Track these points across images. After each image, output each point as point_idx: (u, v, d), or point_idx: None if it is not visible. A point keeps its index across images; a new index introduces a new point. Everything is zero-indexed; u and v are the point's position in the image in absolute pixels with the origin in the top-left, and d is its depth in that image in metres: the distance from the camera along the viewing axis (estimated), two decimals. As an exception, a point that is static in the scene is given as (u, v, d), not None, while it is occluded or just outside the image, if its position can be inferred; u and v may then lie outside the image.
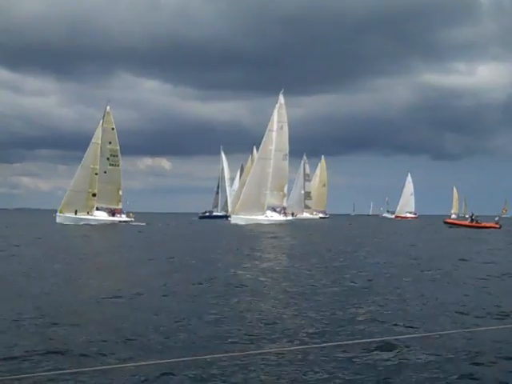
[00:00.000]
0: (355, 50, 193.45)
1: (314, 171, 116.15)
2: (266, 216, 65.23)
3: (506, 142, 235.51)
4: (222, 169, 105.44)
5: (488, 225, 65.63)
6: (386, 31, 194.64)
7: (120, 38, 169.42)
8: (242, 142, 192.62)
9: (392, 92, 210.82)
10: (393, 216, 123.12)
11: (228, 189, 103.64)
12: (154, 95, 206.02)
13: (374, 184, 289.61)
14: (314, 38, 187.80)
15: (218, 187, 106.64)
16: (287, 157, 66.71)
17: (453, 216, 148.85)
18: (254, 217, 63.42)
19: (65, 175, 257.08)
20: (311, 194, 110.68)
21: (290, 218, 67.36)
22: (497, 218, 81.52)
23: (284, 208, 68.04)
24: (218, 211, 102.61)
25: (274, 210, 66.88)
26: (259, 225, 59.30)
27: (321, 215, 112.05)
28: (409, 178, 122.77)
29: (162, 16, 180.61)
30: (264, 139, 64.65)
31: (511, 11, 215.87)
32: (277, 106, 65.55)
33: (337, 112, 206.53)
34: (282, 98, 65.79)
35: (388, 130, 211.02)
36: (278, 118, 65.28)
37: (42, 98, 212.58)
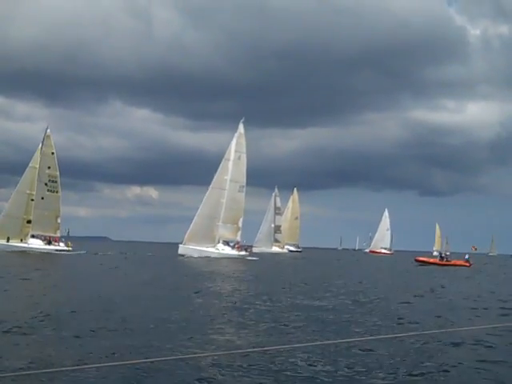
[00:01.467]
0: (347, 85, 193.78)
1: (299, 204, 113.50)
2: (217, 249, 61.70)
3: (493, 180, 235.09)
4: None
5: (458, 263, 65.11)
6: (376, 67, 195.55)
7: (113, 66, 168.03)
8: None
9: (382, 127, 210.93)
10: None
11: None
12: (144, 124, 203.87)
13: (362, 218, 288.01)
14: (307, 72, 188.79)
15: None
16: (244, 188, 63.49)
17: (435, 253, 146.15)
18: (203, 248, 59.99)
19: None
20: (281, 228, 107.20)
21: (242, 253, 63.62)
22: (467, 256, 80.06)
23: (237, 242, 64.50)
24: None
25: (227, 243, 63.39)
26: (207, 258, 56.07)
27: (292, 249, 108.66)
28: (386, 213, 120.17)
29: (155, 46, 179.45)
30: (219, 169, 61.53)
31: (499, 50, 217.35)
32: (236, 134, 62.66)
33: (328, 145, 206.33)
34: (241, 128, 62.97)
35: (377, 164, 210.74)
36: (237, 148, 62.27)
37: (30, 124, 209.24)
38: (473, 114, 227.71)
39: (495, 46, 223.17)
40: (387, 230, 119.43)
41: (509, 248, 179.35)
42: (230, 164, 61.64)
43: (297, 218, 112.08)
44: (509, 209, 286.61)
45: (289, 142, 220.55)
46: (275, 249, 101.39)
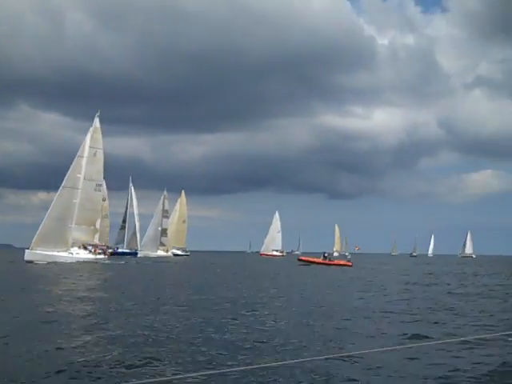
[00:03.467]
0: (257, 91, 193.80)
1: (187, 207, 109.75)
2: (71, 253, 56.79)
3: (395, 184, 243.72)
4: (131, 204, 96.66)
5: (341, 262, 66.51)
6: (287, 74, 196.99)
7: (21, 68, 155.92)
8: (143, 178, 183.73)
9: (292, 133, 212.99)
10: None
11: (137, 224, 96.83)
12: (52, 128, 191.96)
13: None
14: (219, 78, 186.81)
15: (123, 222, 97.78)
16: (101, 188, 59.16)
17: (335, 254, 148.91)
18: (54, 253, 54.86)
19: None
20: (168, 231, 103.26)
21: (100, 256, 59.16)
22: (349, 256, 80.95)
23: (95, 245, 59.95)
24: (123, 247, 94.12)
25: (85, 247, 58.67)
26: (59, 263, 51.10)
27: (178, 252, 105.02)
28: (276, 216, 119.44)
29: (65, 48, 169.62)
30: (71, 166, 56.68)
31: (405, 60, 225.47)
32: (91, 129, 58.04)
33: (237, 150, 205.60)
34: (97, 122, 58.45)
35: (287, 169, 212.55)
36: (92, 144, 57.71)
37: None
38: (379, 120, 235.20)
39: (401, 56, 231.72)
40: (278, 232, 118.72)
41: (409, 248, 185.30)
42: (84, 161, 56.97)
43: (184, 222, 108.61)
44: (407, 211, 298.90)
45: (199, 147, 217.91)
46: (160, 252, 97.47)
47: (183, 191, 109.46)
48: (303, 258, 73.18)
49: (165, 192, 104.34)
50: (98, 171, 58.29)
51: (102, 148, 58.50)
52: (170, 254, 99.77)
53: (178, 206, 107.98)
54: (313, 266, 63.03)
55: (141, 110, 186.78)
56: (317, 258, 68.85)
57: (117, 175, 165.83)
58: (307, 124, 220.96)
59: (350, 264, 63.37)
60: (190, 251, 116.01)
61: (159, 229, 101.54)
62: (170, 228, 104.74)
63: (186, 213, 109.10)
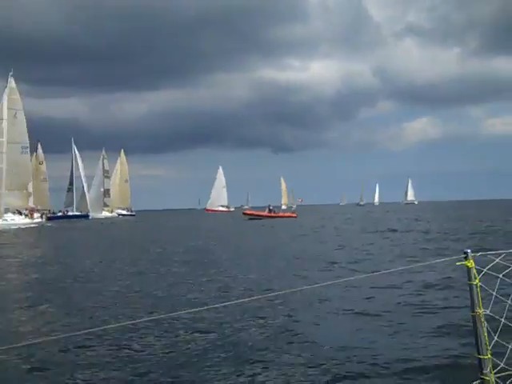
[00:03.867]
0: (194, 46, 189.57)
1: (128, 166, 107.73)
2: (5, 220, 55.52)
3: (339, 135, 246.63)
4: (76, 165, 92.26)
5: (286, 215, 68.65)
6: (222, 28, 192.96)
7: None
8: (83, 139, 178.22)
9: (232, 87, 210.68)
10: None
11: (85, 186, 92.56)
12: None
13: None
14: (154, 34, 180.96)
15: (70, 184, 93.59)
16: (28, 150, 57.51)
17: (283, 207, 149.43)
18: (-14, 221, 53.60)
19: None
20: (110, 192, 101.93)
21: (37, 220, 58.16)
22: (293, 208, 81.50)
23: (31, 209, 58.83)
24: (73, 210, 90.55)
25: (19, 212, 57.42)
26: None
27: (124, 212, 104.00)
28: (220, 171, 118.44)
29: None
30: (-9, 130, 54.82)
31: (336, 11, 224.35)
32: (6, 90, 55.87)
33: (178, 107, 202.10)
34: (12, 82, 56.31)
35: (229, 124, 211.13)
36: (10, 105, 55.71)
37: None
38: (316, 72, 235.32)
39: (331, 7, 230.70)
40: (223, 187, 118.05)
41: (355, 197, 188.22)
42: (5, 123, 55.09)
43: (126, 181, 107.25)
44: (352, 161, 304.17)
45: (140, 105, 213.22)
46: (105, 213, 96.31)
47: (122, 150, 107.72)
48: (248, 212, 73.47)
49: (103, 152, 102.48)
50: (22, 133, 56.55)
51: (23, 109, 56.60)
52: (114, 214, 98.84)
53: (118, 166, 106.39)
54: (258, 219, 62.64)
55: (76, 69, 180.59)
56: (262, 211, 69.09)
57: (56, 137, 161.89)
58: (246, 78, 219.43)
59: (295, 215, 64.75)
60: (137, 211, 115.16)
61: (101, 190, 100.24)
62: (113, 188, 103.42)
63: (128, 172, 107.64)
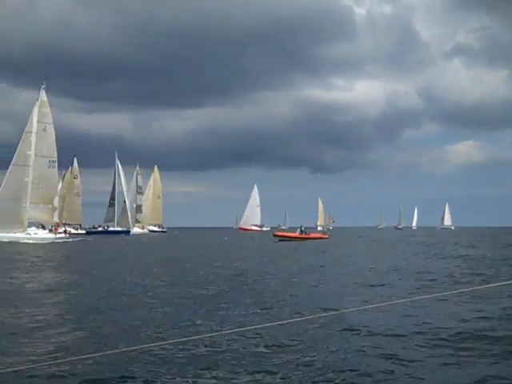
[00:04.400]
0: (239, 64, 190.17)
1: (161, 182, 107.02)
2: (28, 233, 54.66)
3: (379, 156, 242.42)
4: (119, 180, 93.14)
5: (317, 236, 65.87)
6: (268, 46, 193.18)
7: None
8: (125, 156, 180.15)
9: (275, 106, 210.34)
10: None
11: (127, 201, 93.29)
12: (31, 106, 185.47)
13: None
14: (198, 51, 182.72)
15: (112, 199, 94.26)
16: (55, 164, 56.68)
17: (319, 228, 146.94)
18: (9, 234, 52.70)
19: None
20: (142, 208, 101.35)
21: (61, 235, 57.11)
22: (325, 229, 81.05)
23: (57, 224, 57.92)
24: (114, 226, 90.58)
25: (43, 227, 56.54)
26: (14, 244, 48.93)
27: (155, 229, 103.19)
28: (255, 190, 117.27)
29: (39, 25, 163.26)
30: (20, 143, 54.30)
31: (384, 30, 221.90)
32: (37, 103, 55.39)
33: (221, 125, 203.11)
34: (43, 95, 55.80)
35: (271, 143, 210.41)
36: (40, 118, 55.12)
37: None
38: (361, 92, 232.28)
39: (379, 25, 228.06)
40: (257, 206, 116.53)
41: (394, 221, 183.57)
42: (33, 137, 54.54)
43: (159, 197, 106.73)
44: (392, 183, 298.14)
45: (182, 123, 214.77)
46: (136, 229, 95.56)
47: (156, 166, 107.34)
48: (279, 234, 71.16)
49: (137, 168, 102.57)
50: (50, 147, 55.77)
51: (52, 122, 55.92)
52: (145, 230, 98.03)
53: (151, 182, 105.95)
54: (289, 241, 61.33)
55: (122, 86, 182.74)
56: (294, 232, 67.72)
57: (100, 152, 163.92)
58: (290, 97, 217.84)
59: (327, 237, 63.16)
60: (172, 228, 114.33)
61: (134, 205, 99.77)
62: (145, 204, 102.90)
63: (161, 188, 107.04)
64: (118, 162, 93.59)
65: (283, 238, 64.13)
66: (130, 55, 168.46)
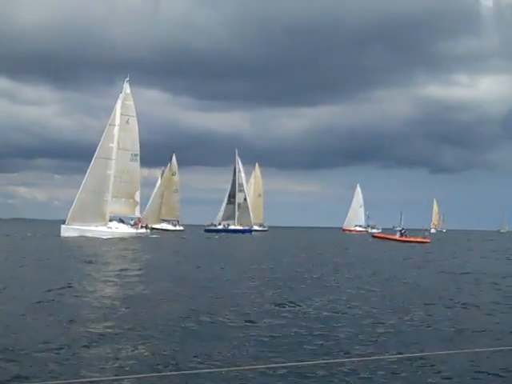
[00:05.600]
0: (357, 62, 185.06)
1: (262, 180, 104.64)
2: (109, 227, 54.24)
3: (504, 156, 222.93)
4: (239, 177, 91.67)
5: (418, 239, 62.65)
6: (387, 42, 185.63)
7: (120, 46, 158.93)
8: (242, 154, 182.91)
9: (392, 104, 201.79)
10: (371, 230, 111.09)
11: (248, 199, 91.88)
12: (153, 105, 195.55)
13: (371, 197, 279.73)
14: (316, 49, 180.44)
15: (232, 197, 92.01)
16: (138, 157, 55.79)
17: (432, 230, 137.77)
18: (91, 228, 52.56)
19: (61, 185, 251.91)
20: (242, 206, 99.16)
21: (142, 230, 56.17)
22: (426, 233, 77.36)
23: (138, 219, 57.06)
24: (235, 224, 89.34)
25: (121, 220, 55.99)
26: (97, 239, 48.50)
27: (256, 228, 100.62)
28: (358, 190, 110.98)
29: (162, 25, 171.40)
30: (103, 136, 53.88)
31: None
32: (121, 95, 54.69)
33: (337, 124, 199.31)
34: (127, 88, 55.05)
35: (388, 142, 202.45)
36: (123, 111, 54.43)
37: (40, 108, 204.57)
38: (485, 89, 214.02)
39: (508, 17, 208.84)
40: (360, 206, 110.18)
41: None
42: (116, 130, 53.88)
43: (260, 195, 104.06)
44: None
45: (297, 121, 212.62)
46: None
47: (257, 164, 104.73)
48: (378, 235, 71.72)
49: (239, 165, 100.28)
50: (133, 140, 55.07)
51: (135, 115, 55.14)
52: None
53: (252, 180, 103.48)
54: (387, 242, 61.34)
55: (240, 84, 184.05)
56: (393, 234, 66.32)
57: (220, 150, 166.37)
58: (409, 94, 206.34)
59: (428, 241, 60.97)
60: (275, 227, 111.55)
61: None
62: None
63: (262, 186, 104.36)
64: (238, 159, 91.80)
65: (381, 239, 64.14)
66: (249, 53, 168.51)
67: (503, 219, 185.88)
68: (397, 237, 63.41)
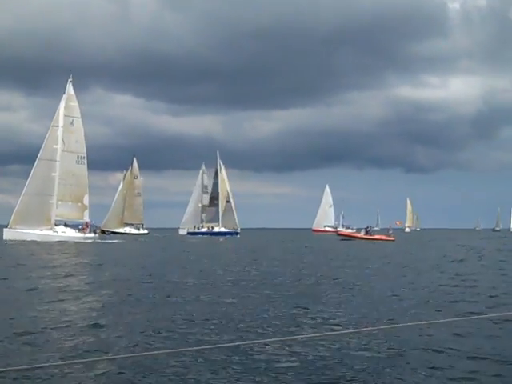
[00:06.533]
0: (328, 64, 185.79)
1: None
2: (55, 232, 52.91)
3: (474, 155, 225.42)
4: (222, 180, 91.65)
5: (383, 237, 64.04)
6: (357, 45, 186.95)
7: (91, 52, 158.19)
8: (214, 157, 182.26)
9: (365, 105, 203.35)
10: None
11: (232, 201, 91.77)
12: (125, 110, 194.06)
13: (343, 197, 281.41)
14: (287, 52, 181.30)
15: (216, 199, 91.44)
16: (85, 160, 54.50)
17: (406, 230, 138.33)
18: (36, 231, 51.27)
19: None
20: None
21: (90, 235, 54.75)
22: (390, 231, 77.87)
23: (86, 223, 55.62)
24: (219, 226, 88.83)
25: (66, 225, 54.54)
26: (42, 243, 47.08)
27: (222, 229, 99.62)
28: (327, 190, 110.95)
29: (132, 30, 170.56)
30: (46, 136, 52.60)
31: (479, 24, 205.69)
32: (64, 96, 53.43)
33: (310, 126, 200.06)
34: (70, 88, 53.75)
35: (361, 143, 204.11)
36: (67, 112, 53.13)
37: (11, 113, 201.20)
38: (455, 90, 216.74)
39: (475, 19, 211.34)
40: (330, 207, 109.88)
41: (492, 222, 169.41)
42: (60, 131, 52.66)
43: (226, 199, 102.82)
44: (488, 184, 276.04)
45: (270, 124, 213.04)
46: (204, 230, 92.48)
47: (223, 166, 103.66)
48: (343, 233, 73.58)
49: (203, 167, 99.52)
50: (78, 142, 53.74)
51: (80, 117, 53.90)
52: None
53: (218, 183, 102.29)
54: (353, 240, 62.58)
55: (211, 88, 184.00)
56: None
57: (191, 154, 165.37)
58: (381, 96, 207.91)
59: (393, 239, 62.04)
60: (246, 229, 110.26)
61: (199, 205, 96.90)
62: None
63: (228, 190, 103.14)
64: (219, 161, 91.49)
65: (345, 238, 65.37)
66: (219, 57, 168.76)
67: (477, 218, 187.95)
68: (361, 235, 64.63)
